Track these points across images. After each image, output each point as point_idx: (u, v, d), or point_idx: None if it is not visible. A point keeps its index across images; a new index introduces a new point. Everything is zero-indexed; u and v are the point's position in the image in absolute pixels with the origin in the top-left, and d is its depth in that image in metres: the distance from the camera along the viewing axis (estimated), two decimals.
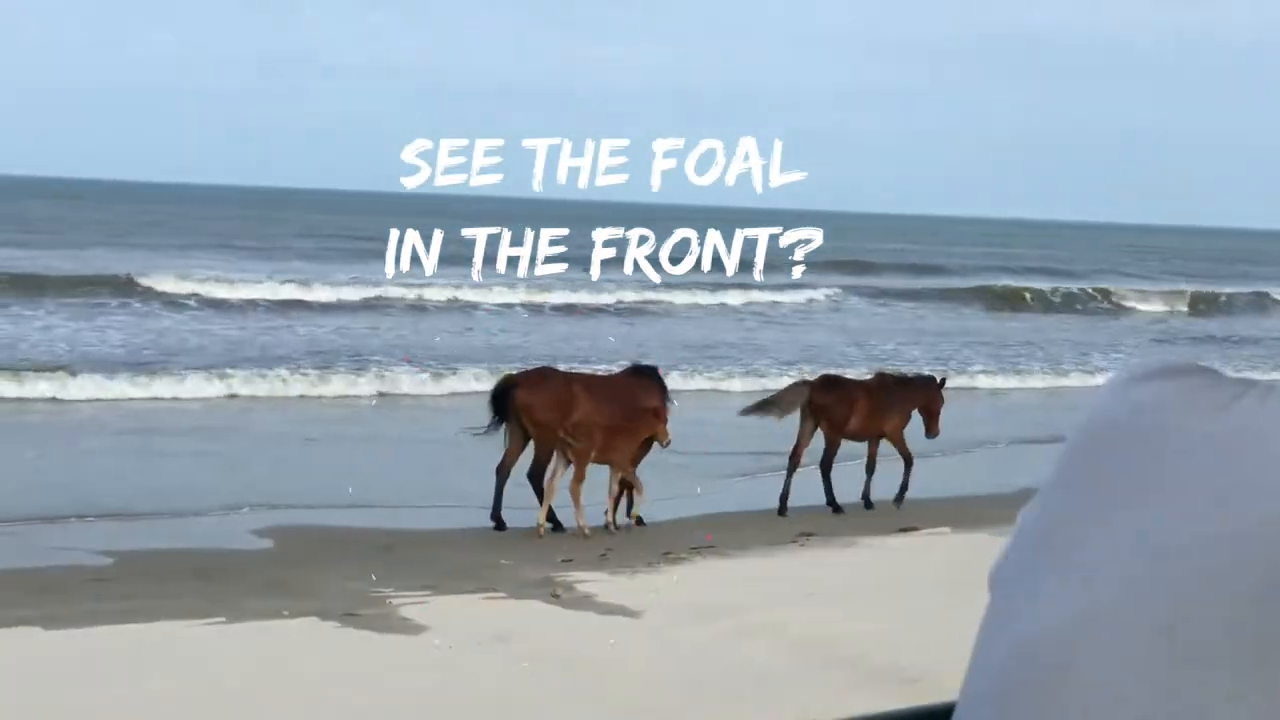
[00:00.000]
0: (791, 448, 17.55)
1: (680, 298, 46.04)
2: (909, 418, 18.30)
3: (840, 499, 17.55)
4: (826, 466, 17.59)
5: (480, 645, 11.10)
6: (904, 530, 16.45)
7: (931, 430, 18.35)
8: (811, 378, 19.34)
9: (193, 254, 56.94)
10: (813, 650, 11.20)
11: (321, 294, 40.62)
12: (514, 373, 17.52)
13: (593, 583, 13.45)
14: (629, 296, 44.91)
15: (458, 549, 14.96)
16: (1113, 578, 1.18)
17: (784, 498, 17.14)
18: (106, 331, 32.71)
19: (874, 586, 13.51)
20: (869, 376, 19.65)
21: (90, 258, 51.41)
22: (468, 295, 41.25)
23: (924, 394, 18.49)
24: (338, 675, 10.37)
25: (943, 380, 19.11)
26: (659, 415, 16.44)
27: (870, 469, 17.92)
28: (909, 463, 18.00)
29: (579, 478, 15.97)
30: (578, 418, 16.22)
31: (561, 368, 18.63)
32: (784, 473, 17.29)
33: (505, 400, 16.42)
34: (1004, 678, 1.21)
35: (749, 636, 11.62)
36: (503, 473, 16.20)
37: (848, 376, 19.87)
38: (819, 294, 51.71)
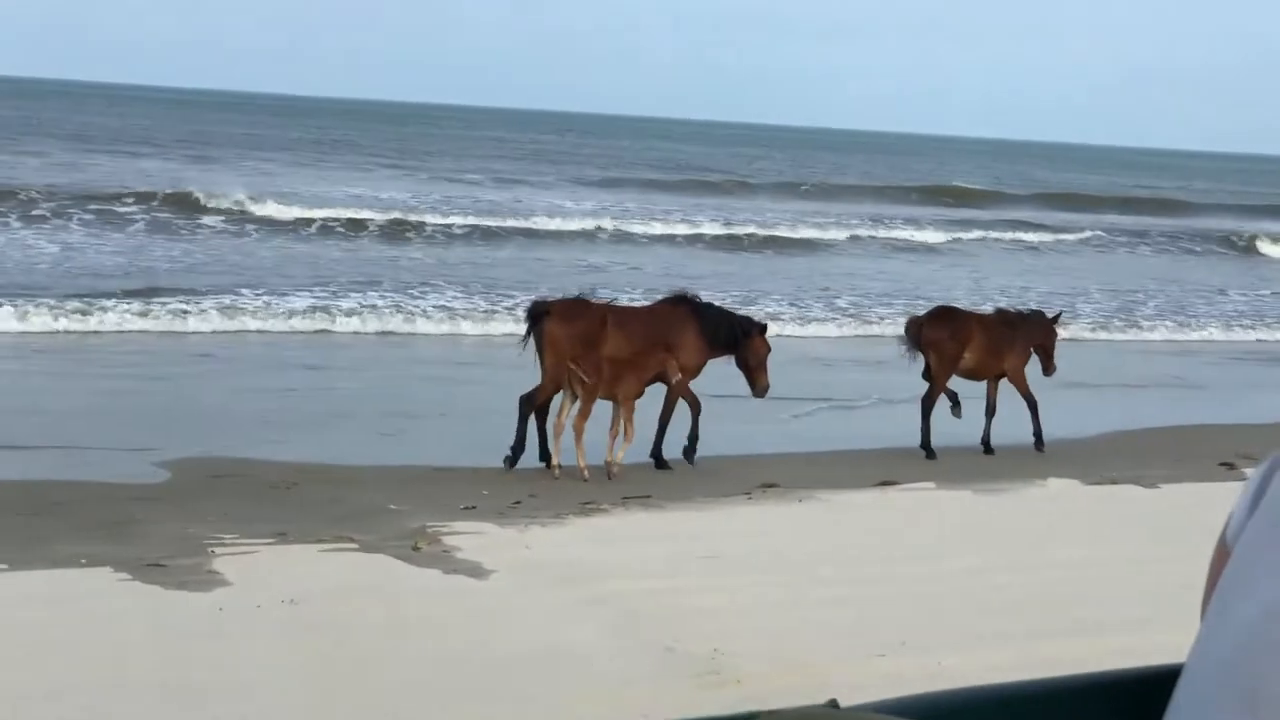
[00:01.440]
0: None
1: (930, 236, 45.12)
2: (1029, 356, 17.20)
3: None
4: (928, 405, 16.57)
5: (262, 609, 9.73)
6: (884, 484, 14.69)
7: (1048, 368, 17.41)
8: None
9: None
10: (652, 628, 9.63)
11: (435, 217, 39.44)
12: (547, 299, 16.09)
13: (471, 535, 12.00)
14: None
15: (368, 488, 13.66)
16: None
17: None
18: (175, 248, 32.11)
19: (792, 555, 11.81)
20: (989, 311, 18.23)
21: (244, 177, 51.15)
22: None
23: (1041, 330, 17.38)
24: (77, 641, 9.09)
25: (1057, 316, 18.00)
26: (670, 350, 15.07)
27: (990, 411, 16.99)
28: (1033, 405, 17.00)
29: (584, 414, 14.73)
30: (607, 352, 14.96)
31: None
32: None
33: (535, 327, 15.21)
34: (1256, 634, 1.21)
35: (591, 607, 10.08)
36: (530, 405, 15.13)
37: (963, 309, 18.16)
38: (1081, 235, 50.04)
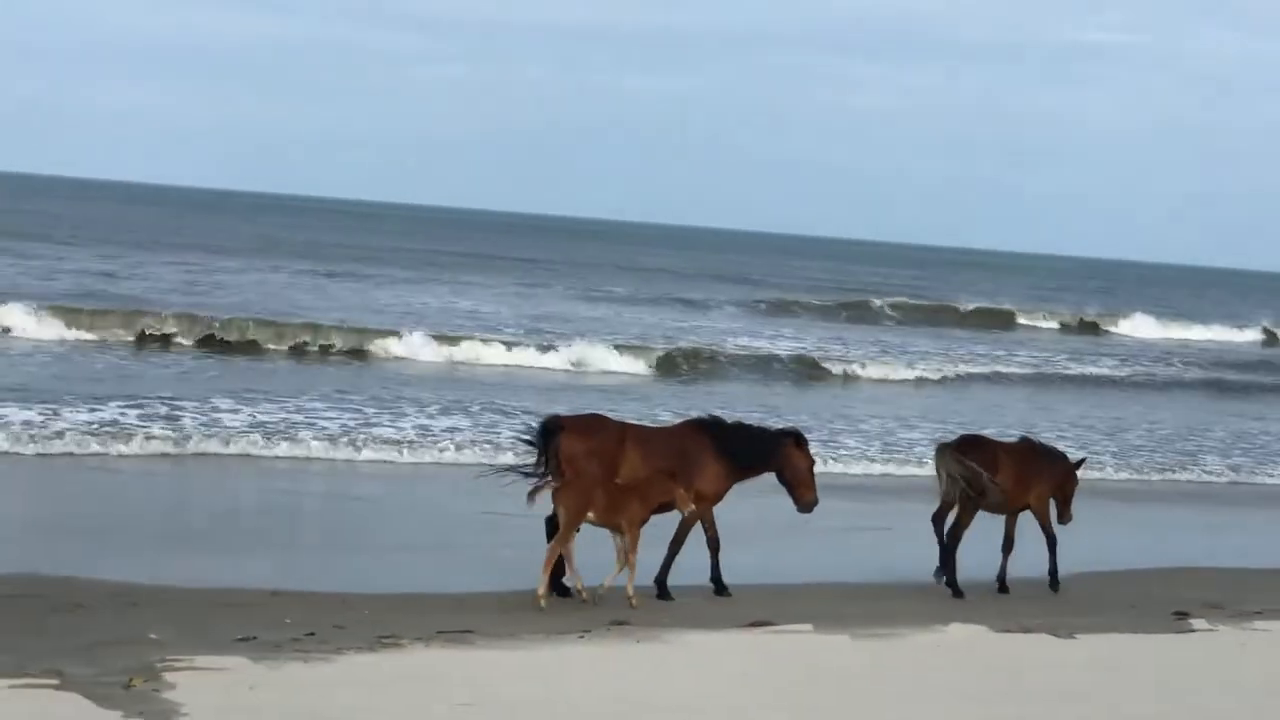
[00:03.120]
0: (934, 510, 15.26)
1: None
2: (1051, 492, 15.67)
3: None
4: (955, 539, 15.07)
5: None
6: (755, 625, 12.91)
7: (1065, 515, 15.80)
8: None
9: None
10: None
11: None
12: (561, 414, 14.86)
13: (205, 671, 10.46)
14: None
15: (153, 613, 12.36)
16: None
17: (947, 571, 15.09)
18: None
19: (559, 712, 10.15)
20: (1013, 440, 16.51)
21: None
22: None
23: (1063, 472, 15.85)
24: None
25: (1081, 461, 16.47)
26: (674, 477, 13.83)
27: (1008, 547, 15.49)
28: (1053, 541, 15.59)
29: (564, 539, 13.45)
30: (624, 473, 13.87)
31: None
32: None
33: (549, 443, 14.01)
34: None
35: None
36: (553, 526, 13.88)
37: (990, 437, 16.56)
38: None
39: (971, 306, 64.67)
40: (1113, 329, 66.04)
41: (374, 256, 72.02)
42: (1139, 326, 67.07)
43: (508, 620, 12.69)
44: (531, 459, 14.25)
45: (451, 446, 22.00)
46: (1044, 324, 64.50)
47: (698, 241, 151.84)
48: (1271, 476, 26.73)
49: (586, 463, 13.87)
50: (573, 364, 35.03)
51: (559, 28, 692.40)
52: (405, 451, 21.55)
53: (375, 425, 23.04)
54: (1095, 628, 13.38)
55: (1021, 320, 64.15)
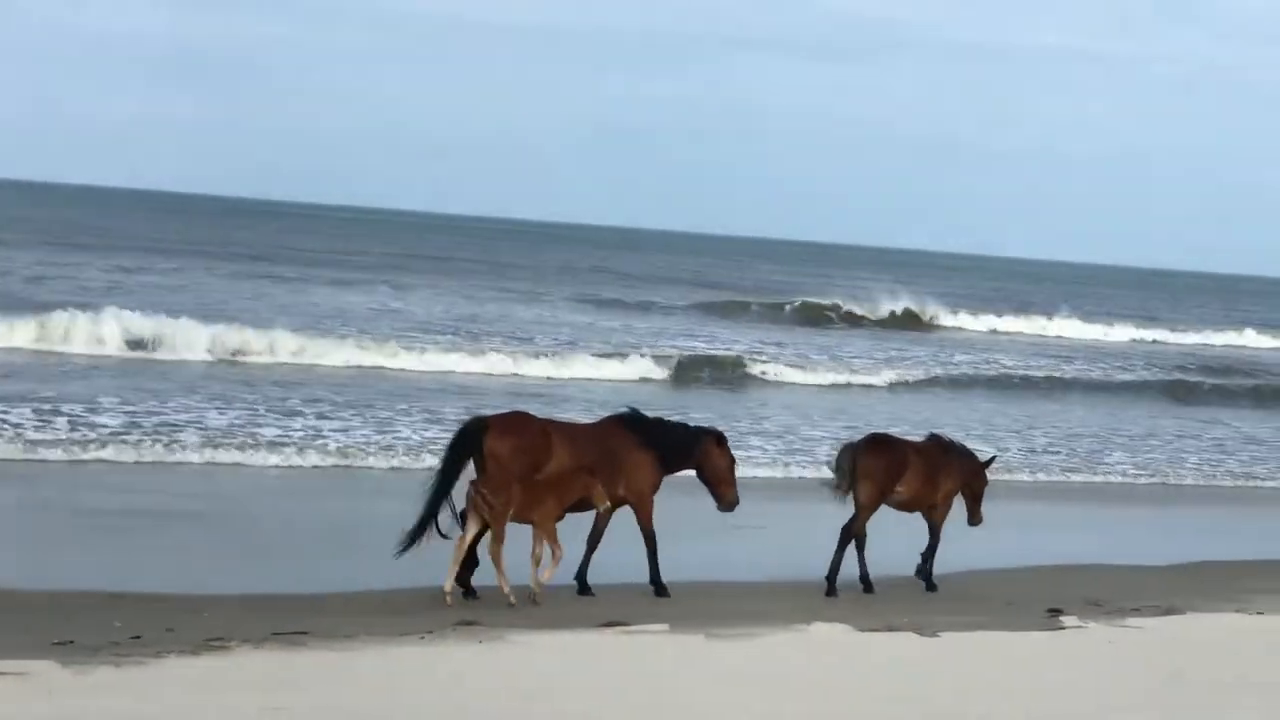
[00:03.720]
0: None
1: None
2: (958, 489, 15.37)
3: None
4: (849, 534, 14.73)
5: None
6: (609, 625, 12.47)
7: (975, 516, 15.59)
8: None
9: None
10: None
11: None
12: (485, 414, 14.48)
13: (10, 676, 9.92)
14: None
15: (34, 615, 12.02)
16: None
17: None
18: None
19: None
20: (920, 438, 16.03)
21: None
22: None
23: (972, 470, 15.54)
24: None
25: (990, 460, 16.14)
26: (594, 472, 13.64)
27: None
28: (934, 545, 15.32)
29: (497, 538, 13.19)
30: (551, 470, 13.65)
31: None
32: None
33: (472, 444, 13.72)
34: None
35: None
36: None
37: (899, 437, 16.11)
38: None
39: (904, 309, 63.93)
40: (1064, 331, 65.08)
41: (325, 259, 71.56)
42: (1112, 330, 66.45)
43: (353, 622, 12.20)
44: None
45: (333, 447, 21.50)
46: (996, 325, 63.72)
47: (670, 245, 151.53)
48: (1181, 476, 26.45)
49: (513, 461, 13.60)
50: (482, 367, 34.19)
51: (559, 29, 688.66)
52: (276, 454, 20.87)
53: (251, 426, 22.44)
54: (963, 626, 13.00)
55: (968, 323, 63.37)
